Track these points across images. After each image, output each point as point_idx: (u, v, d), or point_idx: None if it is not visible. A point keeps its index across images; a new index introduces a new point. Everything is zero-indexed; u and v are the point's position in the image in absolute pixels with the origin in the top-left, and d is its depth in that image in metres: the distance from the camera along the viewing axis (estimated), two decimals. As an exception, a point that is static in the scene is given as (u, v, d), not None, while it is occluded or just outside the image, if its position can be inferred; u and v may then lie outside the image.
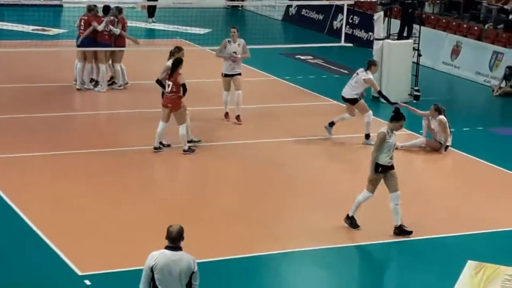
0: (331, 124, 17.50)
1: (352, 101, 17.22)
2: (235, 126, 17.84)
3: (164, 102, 15.94)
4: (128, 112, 18.80)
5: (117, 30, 19.96)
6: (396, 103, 17.33)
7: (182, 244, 8.29)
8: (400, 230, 12.69)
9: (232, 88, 17.99)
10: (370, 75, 17.12)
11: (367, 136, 17.19)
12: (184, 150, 15.96)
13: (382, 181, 12.66)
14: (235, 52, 17.72)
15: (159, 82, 15.97)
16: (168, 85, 15.75)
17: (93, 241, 12.06)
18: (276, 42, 25.32)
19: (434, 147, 16.91)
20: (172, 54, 16.50)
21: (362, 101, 17.31)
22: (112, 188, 14.28)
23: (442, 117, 16.78)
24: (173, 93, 15.74)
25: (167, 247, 8.25)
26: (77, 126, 18.06)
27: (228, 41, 17.87)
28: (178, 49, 16.63)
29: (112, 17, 20.03)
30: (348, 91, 17.23)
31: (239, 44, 17.83)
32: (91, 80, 20.41)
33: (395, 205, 12.60)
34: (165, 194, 14.28)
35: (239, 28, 18.25)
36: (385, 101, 18.21)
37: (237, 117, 17.89)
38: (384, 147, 12.47)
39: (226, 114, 18.14)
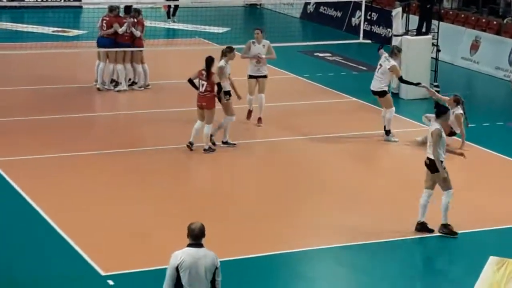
0: (388, 132, 17.32)
1: (381, 94, 17.21)
2: (256, 127, 17.85)
3: (198, 102, 16.01)
4: (148, 112, 18.87)
5: (137, 33, 20.05)
6: (419, 83, 17.60)
7: (203, 241, 8.32)
8: (422, 227, 12.70)
9: (256, 90, 17.87)
10: (393, 62, 17.04)
11: (388, 132, 17.19)
12: (205, 149, 16.04)
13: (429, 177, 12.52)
14: (259, 53, 17.68)
15: (190, 81, 16.01)
16: (202, 84, 15.83)
17: (116, 241, 12.17)
18: (294, 40, 25.33)
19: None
20: (224, 53, 16.49)
21: (389, 95, 17.39)
22: (134, 187, 14.36)
23: (459, 112, 16.74)
24: (208, 91, 15.82)
25: (189, 245, 8.28)
26: (97, 127, 18.17)
27: (253, 42, 17.78)
28: (230, 49, 16.58)
29: (133, 19, 20.14)
30: (377, 84, 17.19)
31: (263, 45, 17.69)
32: (112, 80, 20.52)
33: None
34: (186, 193, 14.34)
35: (263, 29, 18.19)
36: (408, 85, 18.30)
37: (259, 119, 17.82)
38: (440, 143, 12.46)
39: (249, 113, 18.01)
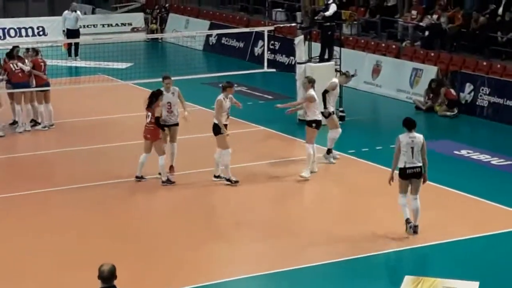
0: (328, 151, 17.66)
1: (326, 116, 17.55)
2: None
3: (144, 134, 16.14)
4: (54, 152, 18.55)
5: (26, 67, 19.89)
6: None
7: (115, 282, 8.09)
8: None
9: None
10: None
11: (328, 151, 17.64)
12: (163, 181, 16.12)
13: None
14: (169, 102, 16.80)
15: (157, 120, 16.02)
16: (148, 115, 15.96)
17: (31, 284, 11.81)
18: (198, 71, 25.29)
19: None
20: (224, 88, 16.36)
21: (333, 116, 17.80)
22: (43, 228, 14.03)
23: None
24: (152, 124, 15.94)
25: (100, 289, 8.04)
26: None
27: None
28: (228, 83, 16.54)
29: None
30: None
31: (173, 93, 16.94)
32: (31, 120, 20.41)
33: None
34: (101, 230, 14.09)
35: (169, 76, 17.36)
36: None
37: (171, 168, 17.04)
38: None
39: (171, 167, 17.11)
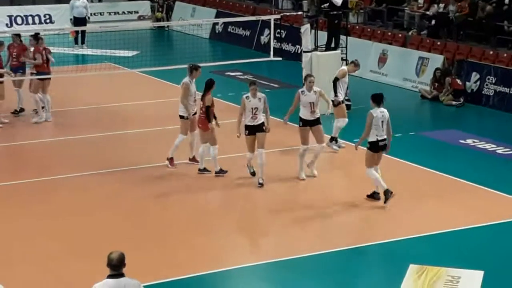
0: (331, 139, 17.88)
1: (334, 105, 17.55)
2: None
3: (197, 123, 16.13)
4: (61, 139, 18.64)
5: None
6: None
7: (124, 270, 8.12)
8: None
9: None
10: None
11: (331, 139, 17.85)
12: (216, 172, 16.06)
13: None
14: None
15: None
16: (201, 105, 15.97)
17: (30, 277, 11.87)
18: (204, 60, 25.29)
19: None
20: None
21: (342, 105, 17.89)
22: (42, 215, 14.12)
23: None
24: (203, 113, 15.90)
25: (109, 276, 8.07)
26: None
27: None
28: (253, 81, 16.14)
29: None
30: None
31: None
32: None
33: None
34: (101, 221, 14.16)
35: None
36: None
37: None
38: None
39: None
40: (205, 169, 16.20)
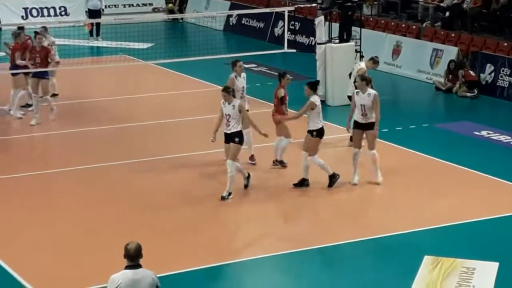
0: None
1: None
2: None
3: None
4: (74, 131, 18.75)
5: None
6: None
7: (141, 261, 8.18)
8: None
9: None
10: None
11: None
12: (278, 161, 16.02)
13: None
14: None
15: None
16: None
17: (52, 262, 11.99)
18: (219, 52, 25.36)
19: None
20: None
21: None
22: (66, 208, 14.23)
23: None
24: (276, 106, 15.93)
25: (127, 267, 8.12)
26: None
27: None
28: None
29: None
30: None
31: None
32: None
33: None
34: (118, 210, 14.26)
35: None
36: None
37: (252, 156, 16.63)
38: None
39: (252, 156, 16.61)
40: (281, 162, 16.04)
